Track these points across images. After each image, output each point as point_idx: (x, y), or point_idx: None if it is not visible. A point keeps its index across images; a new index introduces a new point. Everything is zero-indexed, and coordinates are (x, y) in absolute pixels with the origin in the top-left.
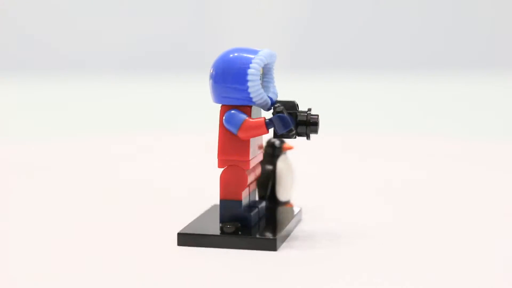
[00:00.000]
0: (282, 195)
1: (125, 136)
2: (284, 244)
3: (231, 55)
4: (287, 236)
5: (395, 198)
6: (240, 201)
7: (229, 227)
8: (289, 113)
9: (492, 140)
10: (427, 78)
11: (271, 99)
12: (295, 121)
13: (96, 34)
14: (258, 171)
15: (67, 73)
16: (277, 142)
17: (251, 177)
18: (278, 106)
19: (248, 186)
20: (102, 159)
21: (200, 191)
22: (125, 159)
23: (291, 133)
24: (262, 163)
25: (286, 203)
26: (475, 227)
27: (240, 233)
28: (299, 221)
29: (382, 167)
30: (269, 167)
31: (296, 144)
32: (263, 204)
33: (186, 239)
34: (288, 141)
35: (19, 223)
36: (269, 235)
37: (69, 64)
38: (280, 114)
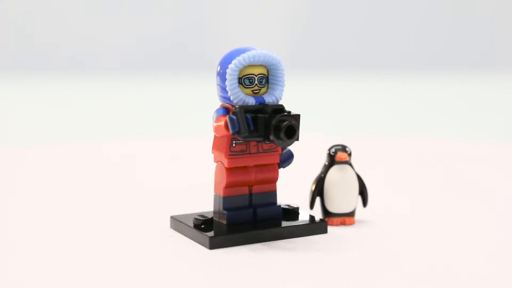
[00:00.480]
0: (330, 206)
1: (125, 136)
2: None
3: (227, 55)
4: (251, 239)
5: (395, 198)
6: (221, 197)
7: (197, 220)
8: (254, 117)
9: (492, 140)
10: (427, 78)
11: (261, 101)
12: (262, 125)
13: (96, 34)
14: (263, 174)
15: (67, 73)
16: (333, 150)
17: (240, 176)
18: (235, 107)
19: (249, 185)
20: (103, 158)
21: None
22: (126, 159)
23: (241, 135)
24: (322, 170)
25: (343, 216)
26: (475, 227)
27: (202, 226)
28: (311, 231)
29: (381, 167)
30: (322, 175)
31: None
32: (271, 208)
33: (174, 223)
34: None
35: (18, 221)
36: (209, 233)
37: (69, 64)
38: (230, 115)
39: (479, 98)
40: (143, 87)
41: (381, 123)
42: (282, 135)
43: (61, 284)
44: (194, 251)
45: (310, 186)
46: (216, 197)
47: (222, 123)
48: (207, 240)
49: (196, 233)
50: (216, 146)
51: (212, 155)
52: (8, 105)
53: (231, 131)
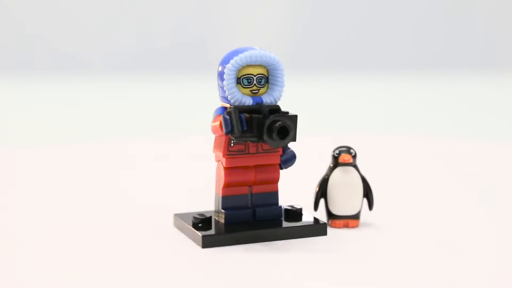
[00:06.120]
0: (333, 208)
1: (129, 136)
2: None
3: (227, 55)
4: (235, 240)
5: (395, 198)
6: (221, 196)
7: (195, 218)
8: (249, 116)
9: (492, 140)
10: (427, 78)
11: (258, 102)
12: (256, 125)
13: (96, 34)
14: (263, 174)
15: (68, 73)
16: (337, 151)
17: (239, 176)
18: (230, 107)
19: (249, 185)
20: (105, 158)
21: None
22: (128, 158)
23: (234, 135)
24: (327, 171)
25: (346, 218)
26: (474, 227)
27: (200, 225)
28: (310, 232)
29: (381, 167)
30: (326, 176)
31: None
32: (271, 208)
33: (176, 221)
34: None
35: (19, 221)
36: (203, 232)
37: (70, 64)
38: (224, 115)
39: (479, 98)
40: (143, 87)
41: (382, 123)
42: (274, 135)
43: (61, 283)
44: (190, 249)
45: (314, 188)
46: (216, 196)
47: (217, 123)
48: (200, 239)
49: (192, 231)
50: (216, 146)
51: (213, 154)
52: (7, 105)
53: (224, 130)
